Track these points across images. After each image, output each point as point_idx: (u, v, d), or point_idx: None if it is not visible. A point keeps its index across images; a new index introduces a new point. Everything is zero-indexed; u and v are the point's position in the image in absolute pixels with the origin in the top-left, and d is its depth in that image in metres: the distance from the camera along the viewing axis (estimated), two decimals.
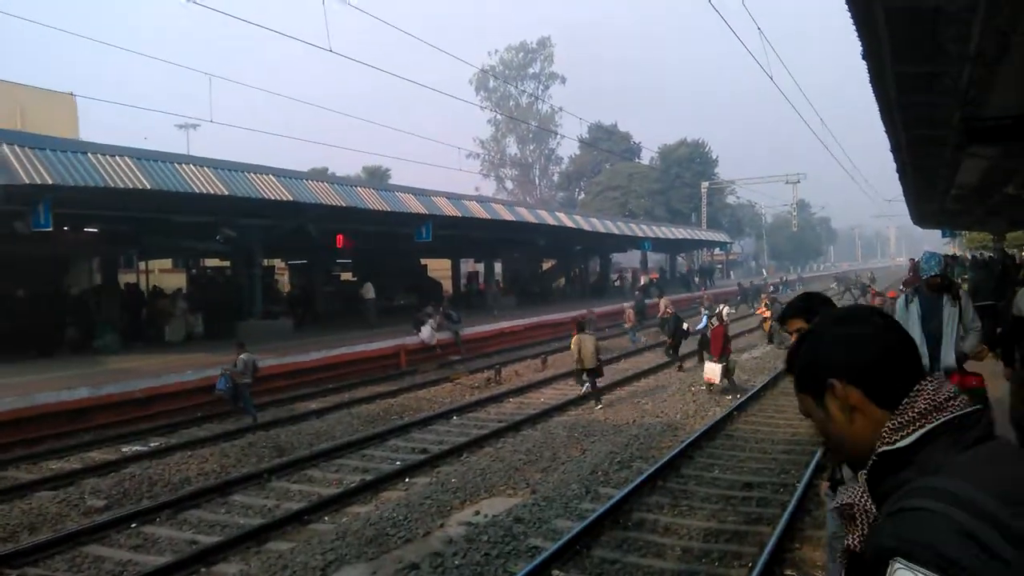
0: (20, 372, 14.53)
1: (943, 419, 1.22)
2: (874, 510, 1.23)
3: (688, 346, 19.01)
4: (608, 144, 65.37)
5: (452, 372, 18.01)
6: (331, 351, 17.91)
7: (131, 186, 14.31)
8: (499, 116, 73.17)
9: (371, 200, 20.91)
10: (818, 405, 1.34)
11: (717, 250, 64.39)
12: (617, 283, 48.14)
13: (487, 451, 10.72)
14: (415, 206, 22.69)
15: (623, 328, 24.99)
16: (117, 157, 14.45)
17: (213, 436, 11.97)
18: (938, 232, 40.97)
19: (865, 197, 64.92)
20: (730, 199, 72.10)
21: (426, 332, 20.12)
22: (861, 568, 1.17)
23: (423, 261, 36.00)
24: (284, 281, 33.95)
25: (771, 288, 43.09)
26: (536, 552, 6.68)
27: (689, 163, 66.07)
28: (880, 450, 1.24)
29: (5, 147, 12.77)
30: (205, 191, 15.81)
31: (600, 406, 13.65)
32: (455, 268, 38.36)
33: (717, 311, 17.94)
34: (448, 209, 24.33)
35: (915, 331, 5.96)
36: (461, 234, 29.20)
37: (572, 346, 14.03)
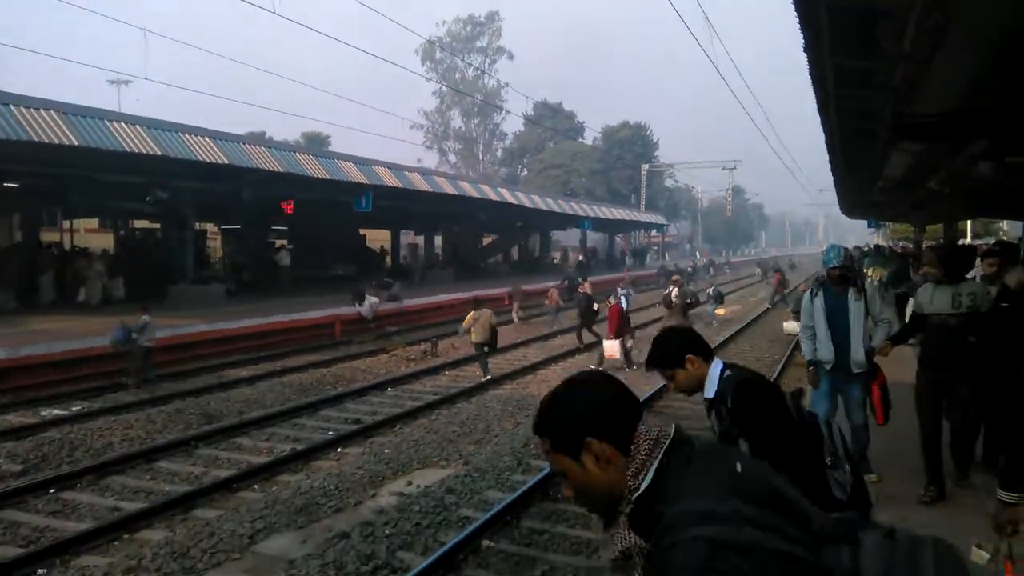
0: None
1: (663, 449, 1.42)
2: (645, 544, 1.36)
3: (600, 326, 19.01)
4: (552, 122, 65.45)
5: (388, 344, 17.91)
6: (264, 319, 17.58)
7: (56, 141, 13.68)
8: (444, 88, 72.34)
9: (310, 167, 20.50)
10: (577, 464, 1.46)
11: (654, 232, 65.44)
12: (556, 261, 48.49)
13: (421, 423, 10.73)
14: (356, 175, 22.34)
15: (545, 309, 23.69)
16: (43, 111, 13.77)
17: (139, 401, 11.64)
18: (864, 222, 42.48)
19: (798, 186, 66.93)
20: (668, 182, 73.31)
21: (366, 307, 19.86)
22: None
23: (362, 231, 35.51)
24: (216, 246, 33.02)
25: (689, 269, 44.32)
26: (467, 522, 6.76)
27: (631, 145, 66.76)
28: (633, 497, 1.40)
29: None
30: (136, 150, 15.24)
31: (488, 376, 13.83)
32: (395, 240, 37.97)
33: (670, 292, 18.75)
34: (389, 179, 24.04)
35: (820, 325, 6.01)
36: (402, 205, 28.92)
37: (467, 321, 14.26)
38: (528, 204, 34.93)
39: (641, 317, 22.61)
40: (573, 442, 1.45)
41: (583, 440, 1.44)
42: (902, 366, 7.29)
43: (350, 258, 32.28)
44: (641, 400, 8.96)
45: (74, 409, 11.26)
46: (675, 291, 17.25)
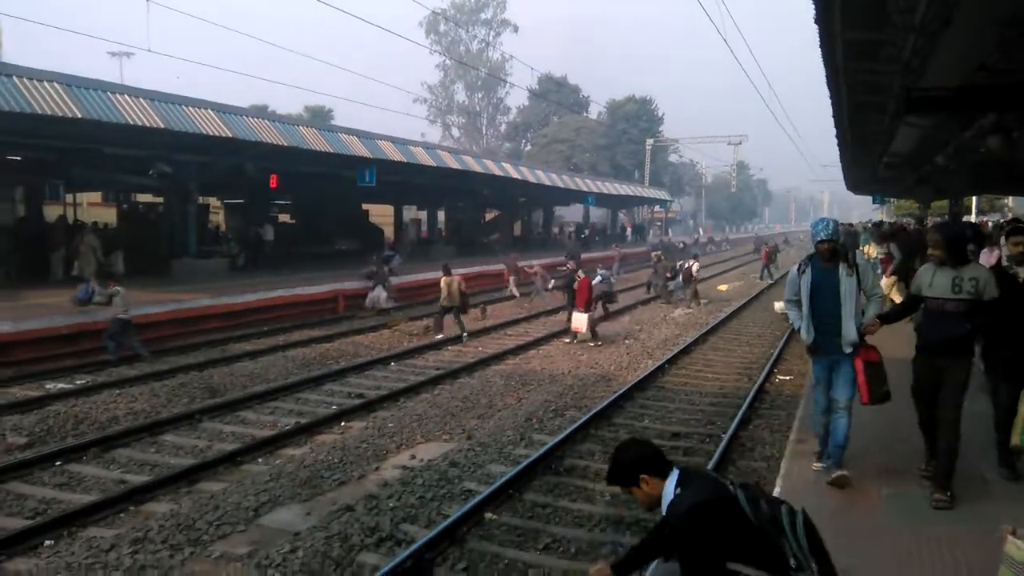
0: None
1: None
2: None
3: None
4: (557, 96, 64.94)
5: (390, 319, 17.93)
6: (267, 293, 17.59)
7: (59, 114, 13.60)
8: (448, 61, 71.72)
9: (313, 140, 20.38)
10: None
11: (658, 207, 65.19)
12: (559, 236, 48.34)
13: (424, 397, 10.77)
14: (359, 149, 22.22)
15: (531, 285, 22.64)
16: (45, 83, 13.66)
17: (143, 375, 11.69)
18: (869, 198, 42.24)
19: (803, 161, 66.51)
20: (673, 157, 72.84)
21: (379, 294, 18.83)
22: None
23: (365, 206, 35.40)
24: (219, 220, 32.97)
25: (681, 245, 44.08)
26: (470, 495, 6.81)
27: (636, 120, 66.19)
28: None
29: None
30: (140, 123, 15.14)
31: (466, 335, 15.23)
32: (398, 215, 37.87)
33: (687, 265, 20.97)
34: (393, 153, 23.91)
35: (804, 301, 5.70)
36: (405, 180, 28.76)
37: (442, 286, 15.64)
38: (531, 179, 34.76)
39: (627, 298, 22.59)
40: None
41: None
42: (897, 339, 7.22)
43: (353, 233, 32.21)
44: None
45: (78, 383, 11.31)
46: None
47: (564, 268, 18.96)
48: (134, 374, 11.84)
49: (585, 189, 42.09)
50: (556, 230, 50.62)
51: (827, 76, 9.83)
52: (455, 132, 77.22)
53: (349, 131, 22.93)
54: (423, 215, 42.60)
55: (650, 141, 61.21)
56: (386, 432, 8.93)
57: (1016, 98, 7.76)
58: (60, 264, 19.76)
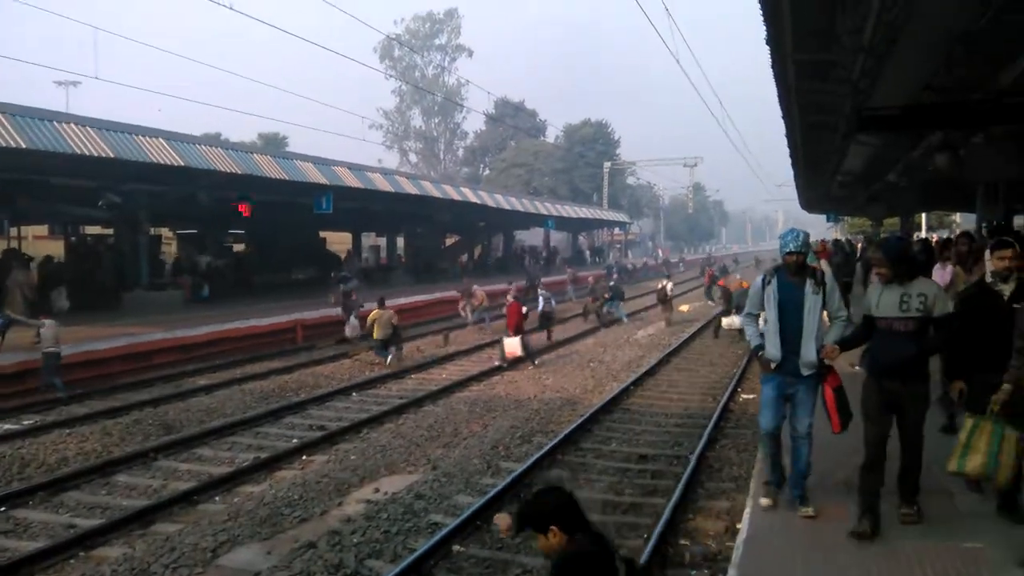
0: None
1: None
2: None
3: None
4: (514, 121, 65.41)
5: (351, 348, 17.64)
6: (223, 325, 17.20)
7: (3, 144, 13.20)
8: (404, 86, 71.83)
9: (268, 168, 20.14)
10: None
11: (617, 230, 65.81)
12: (533, 260, 48.30)
13: (388, 427, 10.56)
14: (315, 175, 22.02)
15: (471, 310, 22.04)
16: None
17: (94, 413, 11.27)
18: (823, 217, 43.26)
19: (758, 182, 67.96)
20: (630, 180, 73.70)
21: (351, 325, 18.01)
22: None
23: (322, 234, 35.05)
24: (171, 251, 32.31)
25: (630, 267, 44.31)
26: (437, 528, 6.65)
27: (593, 143, 66.96)
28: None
29: None
30: (88, 152, 14.77)
31: (388, 365, 15.29)
32: (356, 241, 37.56)
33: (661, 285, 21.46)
34: (350, 180, 23.75)
35: (770, 314, 5.30)
36: (363, 207, 28.57)
37: (370, 319, 15.85)
38: (491, 203, 34.82)
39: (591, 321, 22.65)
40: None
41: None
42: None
43: (310, 261, 31.81)
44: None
45: (25, 423, 10.84)
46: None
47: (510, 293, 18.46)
48: (85, 412, 11.41)
49: (545, 212, 42.30)
50: (524, 255, 50.68)
51: (780, 96, 10.04)
52: (412, 157, 77.25)
53: (305, 158, 22.73)
54: (382, 241, 42.32)
55: (607, 164, 61.88)
56: (349, 465, 8.72)
57: (961, 116, 7.99)
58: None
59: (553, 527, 2.67)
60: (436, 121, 76.82)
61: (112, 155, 15.41)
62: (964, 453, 4.50)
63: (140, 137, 16.51)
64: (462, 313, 22.55)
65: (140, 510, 7.23)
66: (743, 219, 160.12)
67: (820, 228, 64.63)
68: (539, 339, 18.06)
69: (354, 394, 12.97)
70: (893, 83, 7.52)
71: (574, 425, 9.91)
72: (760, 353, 5.44)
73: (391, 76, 71.52)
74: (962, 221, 32.13)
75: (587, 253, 58.61)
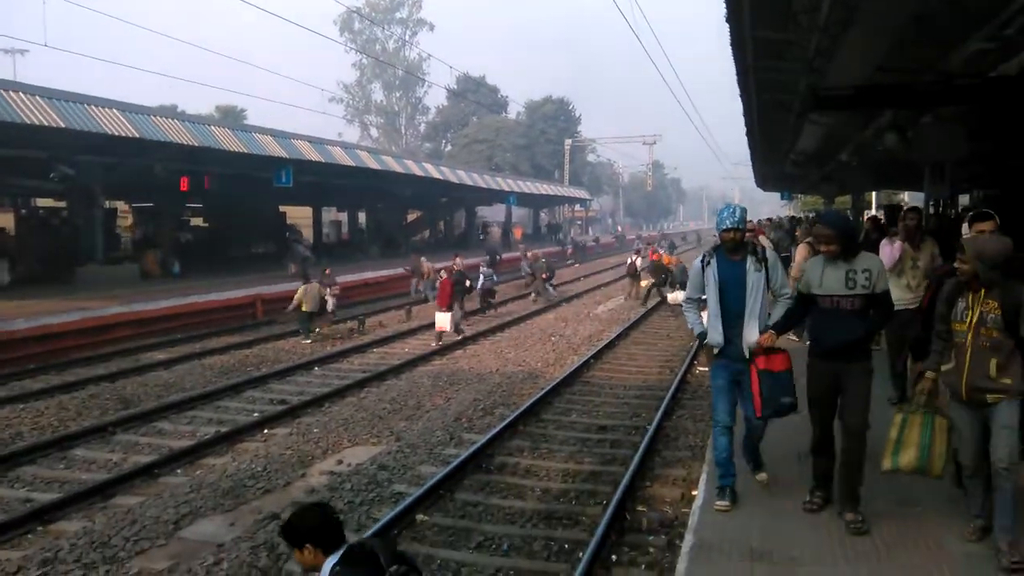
0: None
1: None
2: None
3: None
4: (476, 96, 64.97)
5: (313, 324, 17.51)
6: (181, 299, 16.96)
7: None
8: (365, 60, 70.73)
9: (226, 140, 19.78)
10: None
11: (578, 206, 66.09)
12: (482, 237, 48.38)
13: (350, 401, 10.60)
14: (274, 149, 21.69)
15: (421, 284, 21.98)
16: None
17: (49, 388, 11.08)
18: (777, 195, 44.02)
19: (715, 160, 68.66)
20: (591, 157, 73.96)
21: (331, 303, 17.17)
22: None
23: (282, 208, 34.56)
24: (127, 224, 31.57)
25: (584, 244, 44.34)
26: (400, 498, 6.74)
27: (554, 120, 66.94)
28: None
29: None
30: (37, 122, 14.33)
31: (310, 340, 15.36)
32: (316, 216, 37.13)
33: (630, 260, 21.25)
34: (310, 153, 23.45)
35: (711, 297, 5.04)
36: (324, 181, 28.24)
37: (299, 294, 15.64)
38: (453, 179, 34.70)
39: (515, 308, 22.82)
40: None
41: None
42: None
43: (270, 236, 31.39)
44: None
45: None
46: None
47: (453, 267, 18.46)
48: (39, 387, 11.21)
49: (507, 189, 42.32)
50: (481, 230, 50.69)
51: (738, 75, 10.19)
52: (374, 132, 76.31)
53: (264, 131, 22.36)
54: (343, 216, 41.92)
55: (568, 141, 61.99)
56: (311, 438, 8.75)
57: (912, 97, 8.24)
58: None
59: (308, 544, 2.75)
60: (397, 95, 75.94)
61: (63, 125, 14.99)
62: (896, 449, 4.38)
63: (92, 107, 16.07)
64: (412, 292, 22.07)
65: (100, 484, 7.18)
66: (700, 196, 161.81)
67: (775, 206, 65.78)
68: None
69: (316, 368, 12.95)
70: (847, 63, 7.70)
71: (535, 397, 10.06)
72: (705, 344, 5.21)
73: (351, 49, 70.40)
74: (910, 200, 32.99)
75: (543, 229, 58.76)
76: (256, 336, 15.99)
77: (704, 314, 5.21)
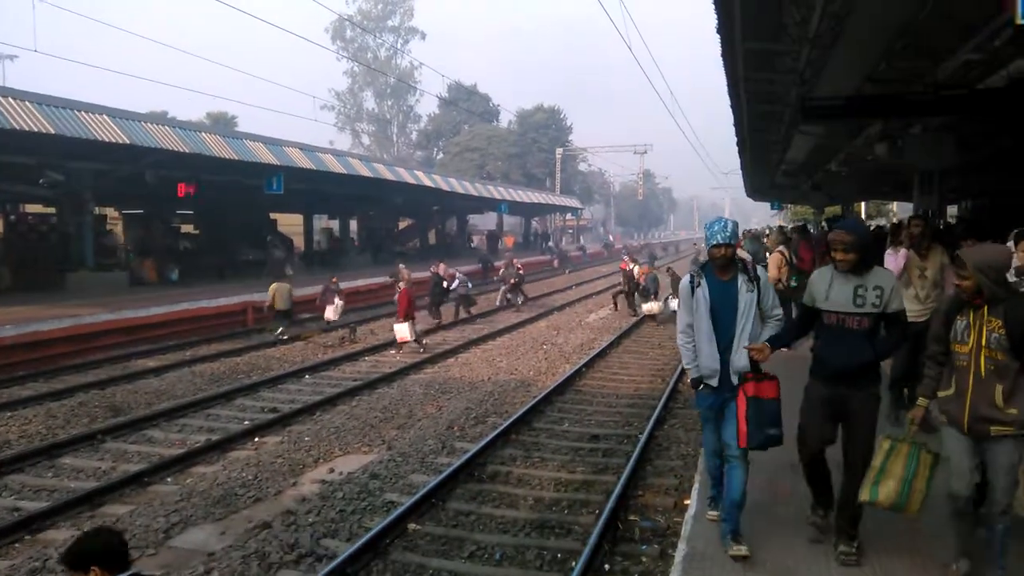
0: None
1: None
2: None
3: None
4: (468, 104, 65.13)
5: (304, 331, 17.50)
6: (171, 306, 16.88)
7: None
8: (356, 68, 70.80)
9: (218, 147, 19.73)
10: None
11: (569, 215, 66.26)
12: (473, 245, 48.48)
13: (341, 409, 10.56)
14: (265, 156, 21.65)
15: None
16: None
17: (37, 396, 10.99)
18: (767, 205, 44.29)
19: (705, 169, 69.08)
20: (582, 166, 74.25)
21: (332, 309, 17.01)
22: None
23: (273, 216, 34.48)
24: (118, 231, 31.40)
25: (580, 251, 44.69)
26: (392, 507, 6.72)
27: (545, 129, 67.19)
28: None
29: None
30: (26, 128, 14.26)
31: (285, 337, 15.93)
32: (308, 224, 37.06)
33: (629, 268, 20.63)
34: (301, 161, 23.42)
35: (702, 321, 4.50)
36: (315, 188, 28.20)
37: (271, 291, 16.20)
38: (445, 187, 34.71)
39: (543, 305, 22.79)
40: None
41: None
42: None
43: (261, 243, 31.29)
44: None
45: None
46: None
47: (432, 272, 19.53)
48: (27, 394, 11.12)
49: (498, 197, 42.36)
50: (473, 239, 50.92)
51: (729, 86, 10.26)
52: (365, 140, 76.34)
53: (255, 138, 22.32)
54: (335, 224, 41.87)
55: (560, 150, 62.18)
56: (303, 446, 8.71)
57: (901, 107, 8.32)
58: None
59: (94, 567, 2.73)
60: (389, 103, 76.07)
61: (52, 131, 14.92)
62: (877, 479, 3.97)
63: (83, 113, 16.01)
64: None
65: (89, 492, 7.11)
66: (691, 206, 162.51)
67: (764, 216, 66.11)
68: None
69: (307, 376, 12.90)
70: (837, 74, 7.79)
71: (528, 406, 10.05)
72: (699, 388, 4.63)
73: (343, 57, 70.50)
74: (899, 210, 33.23)
75: (532, 238, 58.96)
76: (247, 343, 15.92)
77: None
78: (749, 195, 40.51)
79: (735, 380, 4.42)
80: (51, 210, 24.20)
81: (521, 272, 23.27)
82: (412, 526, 6.36)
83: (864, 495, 4.01)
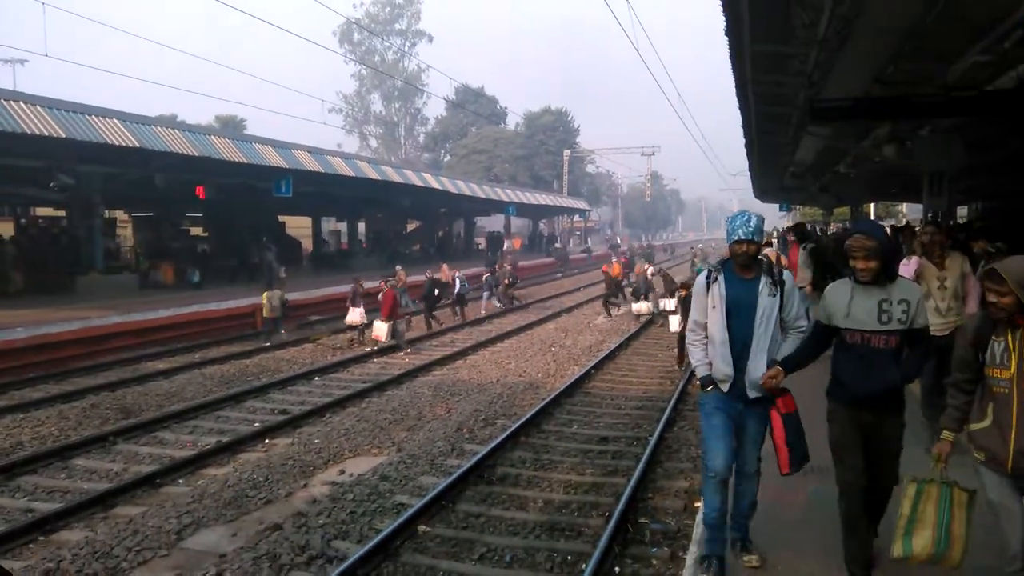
0: None
1: None
2: None
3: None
4: (475, 107, 65.22)
5: (313, 333, 17.57)
6: (181, 309, 16.97)
7: None
8: (364, 71, 71.05)
9: (227, 150, 19.83)
10: None
11: (577, 217, 66.28)
12: (481, 247, 48.52)
13: (351, 411, 10.60)
14: (274, 159, 21.75)
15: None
16: None
17: (49, 397, 11.08)
18: (776, 206, 44.16)
19: (713, 171, 69.00)
20: (589, 168, 74.20)
21: (357, 312, 16.74)
22: None
23: (281, 218, 34.63)
24: (127, 234, 31.64)
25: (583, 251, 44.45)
26: (402, 509, 6.74)
27: (553, 131, 67.20)
28: None
29: None
30: (38, 132, 14.37)
31: (267, 343, 15.91)
32: (316, 226, 37.20)
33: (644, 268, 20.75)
34: (310, 164, 23.51)
35: (716, 321, 4.14)
36: (323, 191, 28.29)
37: (263, 299, 16.54)
38: (452, 189, 34.77)
39: (547, 308, 22.80)
40: None
41: None
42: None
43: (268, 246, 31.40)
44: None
45: None
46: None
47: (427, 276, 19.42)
48: (39, 396, 11.21)
49: (506, 199, 42.40)
50: (479, 241, 51.02)
51: (737, 87, 10.27)
52: (373, 142, 76.61)
53: (264, 141, 22.42)
54: (343, 226, 42.03)
55: (567, 152, 62.18)
56: (313, 448, 8.75)
57: (910, 109, 8.30)
58: None
59: None
60: (396, 106, 76.29)
61: (63, 135, 15.03)
62: (909, 529, 3.50)
63: (93, 117, 16.12)
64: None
65: (101, 493, 7.17)
66: (699, 207, 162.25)
67: (773, 217, 65.94)
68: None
69: (316, 378, 12.95)
70: (845, 76, 7.78)
71: (536, 408, 10.06)
72: (708, 389, 4.26)
73: (351, 60, 70.75)
74: (908, 212, 33.10)
75: (540, 240, 58.96)
76: (256, 346, 15.99)
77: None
78: (757, 196, 40.39)
79: (751, 393, 4.08)
80: (61, 213, 24.39)
81: (516, 274, 23.35)
82: (422, 528, 6.38)
83: (897, 551, 3.55)
